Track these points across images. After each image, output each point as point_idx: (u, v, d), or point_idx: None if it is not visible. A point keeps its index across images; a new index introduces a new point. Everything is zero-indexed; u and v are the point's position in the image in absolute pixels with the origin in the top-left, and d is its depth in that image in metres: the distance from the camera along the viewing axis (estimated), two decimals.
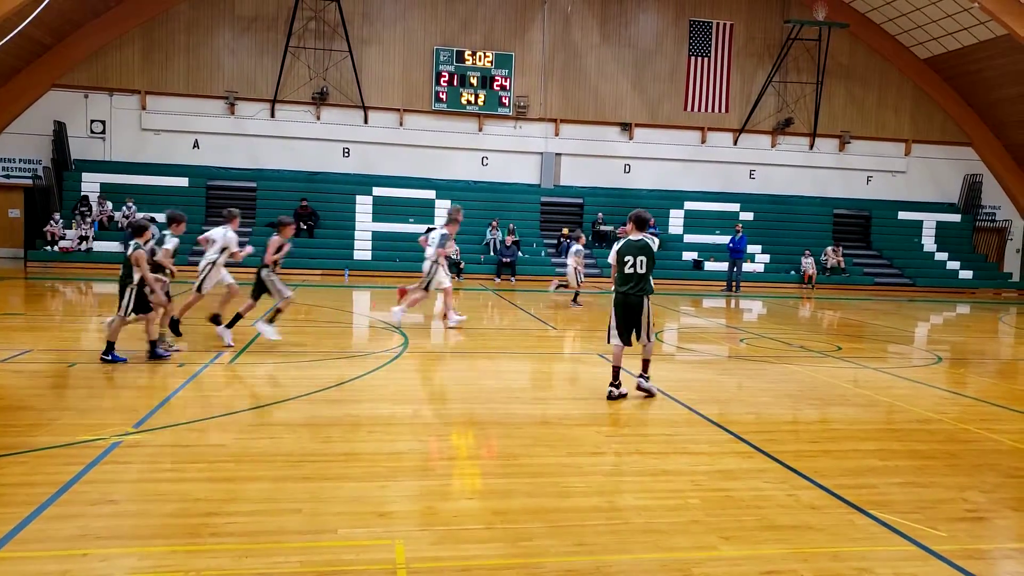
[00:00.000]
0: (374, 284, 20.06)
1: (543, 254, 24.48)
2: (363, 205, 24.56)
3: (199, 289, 9.60)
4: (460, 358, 9.61)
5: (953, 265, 27.10)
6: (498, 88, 25.52)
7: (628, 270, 7.15)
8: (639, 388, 7.44)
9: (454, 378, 8.41)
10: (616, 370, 7.33)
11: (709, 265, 24.98)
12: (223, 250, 9.52)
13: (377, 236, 23.82)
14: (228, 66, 24.42)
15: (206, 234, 9.85)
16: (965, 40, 25.75)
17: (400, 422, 6.21)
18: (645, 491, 4.77)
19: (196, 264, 9.96)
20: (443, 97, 25.25)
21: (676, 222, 26.46)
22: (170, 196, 23.17)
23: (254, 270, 9.49)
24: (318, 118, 24.99)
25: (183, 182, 23.76)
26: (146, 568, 3.52)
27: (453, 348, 10.26)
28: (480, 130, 25.90)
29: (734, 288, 22.21)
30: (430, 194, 24.95)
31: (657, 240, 7.39)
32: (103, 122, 23.79)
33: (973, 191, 28.90)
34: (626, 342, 7.31)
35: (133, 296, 8.06)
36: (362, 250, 23.48)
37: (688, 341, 12.08)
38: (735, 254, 22.30)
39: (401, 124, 25.42)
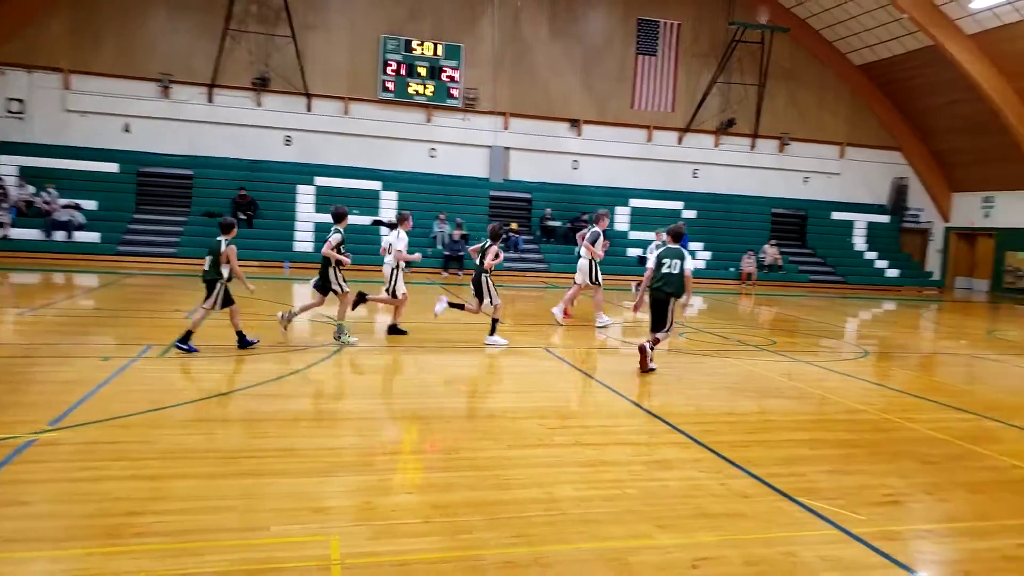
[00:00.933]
0: (316, 277, 19.67)
1: None
2: (305, 195, 24.01)
3: (393, 294, 10.44)
4: (404, 352, 9.58)
5: (881, 264, 28.08)
6: (447, 79, 25.36)
7: (665, 270, 8.72)
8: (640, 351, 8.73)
9: (397, 372, 8.39)
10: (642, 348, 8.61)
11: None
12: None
13: (320, 227, 23.31)
14: (163, 47, 23.52)
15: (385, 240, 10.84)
16: (896, 49, 26.66)
17: (340, 417, 6.18)
18: (584, 482, 4.85)
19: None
20: (390, 87, 24.95)
21: (622, 219, 26.75)
22: (98, 182, 22.35)
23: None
24: (259, 104, 24.37)
25: (112, 168, 22.81)
26: (59, 572, 3.41)
27: (396, 343, 10.22)
28: (428, 121, 25.72)
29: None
30: (376, 185, 24.65)
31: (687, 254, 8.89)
32: (20, 100, 22.67)
33: (900, 194, 30.00)
34: (656, 330, 8.76)
35: (222, 291, 8.49)
36: (303, 241, 22.99)
37: (632, 335, 12.27)
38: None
39: (346, 113, 25.03)
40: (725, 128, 28.08)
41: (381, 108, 25.27)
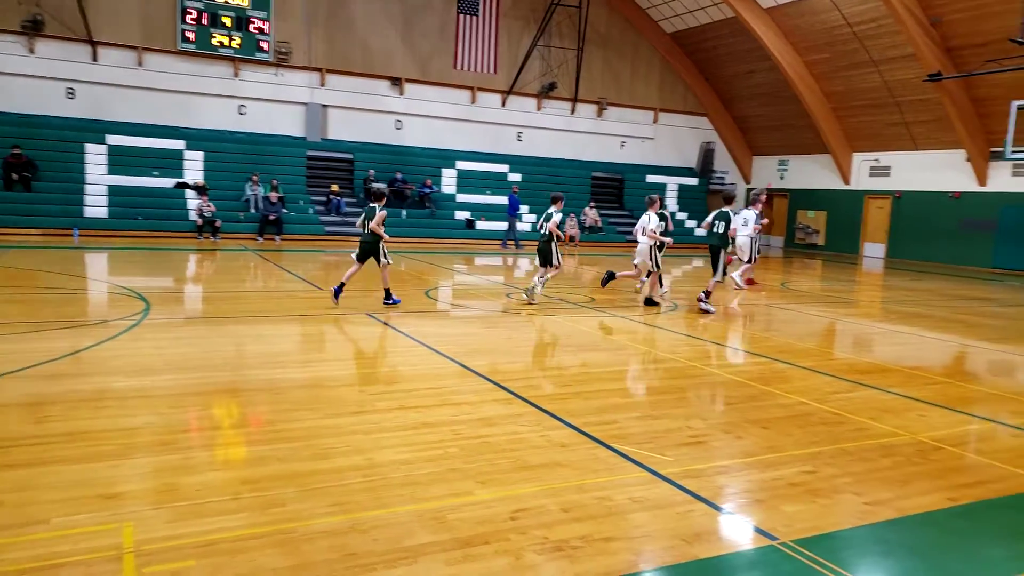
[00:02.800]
0: (112, 245, 18.03)
1: (311, 212, 23.58)
2: (95, 155, 21.50)
3: (658, 266, 11.95)
4: (214, 324, 8.99)
5: (691, 224, 30.04)
6: (255, 31, 23.78)
7: (715, 229, 11.39)
8: (698, 300, 11.34)
9: (206, 345, 7.83)
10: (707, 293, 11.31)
11: (481, 224, 25.55)
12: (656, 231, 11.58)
13: (115, 190, 21.17)
14: None
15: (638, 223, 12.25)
16: (703, 19, 28.30)
17: (136, 395, 5.66)
18: (405, 445, 4.77)
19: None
20: (191, 37, 22.98)
21: (449, 181, 26.65)
22: None
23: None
24: (32, 51, 21.54)
25: None
26: None
27: (205, 313, 9.58)
28: (236, 76, 24.08)
29: (513, 245, 23.38)
30: (178, 144, 22.68)
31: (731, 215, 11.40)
32: None
33: (707, 158, 32.16)
34: (715, 275, 11.40)
35: (384, 250, 10.06)
36: (95, 206, 20.63)
37: (459, 297, 12.29)
38: (512, 211, 23.52)
39: (140, 64, 22.73)
40: (547, 92, 28.62)
41: (182, 60, 23.26)
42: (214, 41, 23.29)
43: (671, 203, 30.78)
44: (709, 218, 11.61)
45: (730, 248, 11.60)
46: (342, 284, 10.27)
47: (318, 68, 25.11)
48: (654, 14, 29.70)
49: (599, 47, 29.40)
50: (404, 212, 24.75)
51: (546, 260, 11.34)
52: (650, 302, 11.78)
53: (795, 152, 30.58)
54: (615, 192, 30.37)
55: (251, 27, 23.69)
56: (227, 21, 23.40)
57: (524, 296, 11.37)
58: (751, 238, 14.70)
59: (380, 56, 26.09)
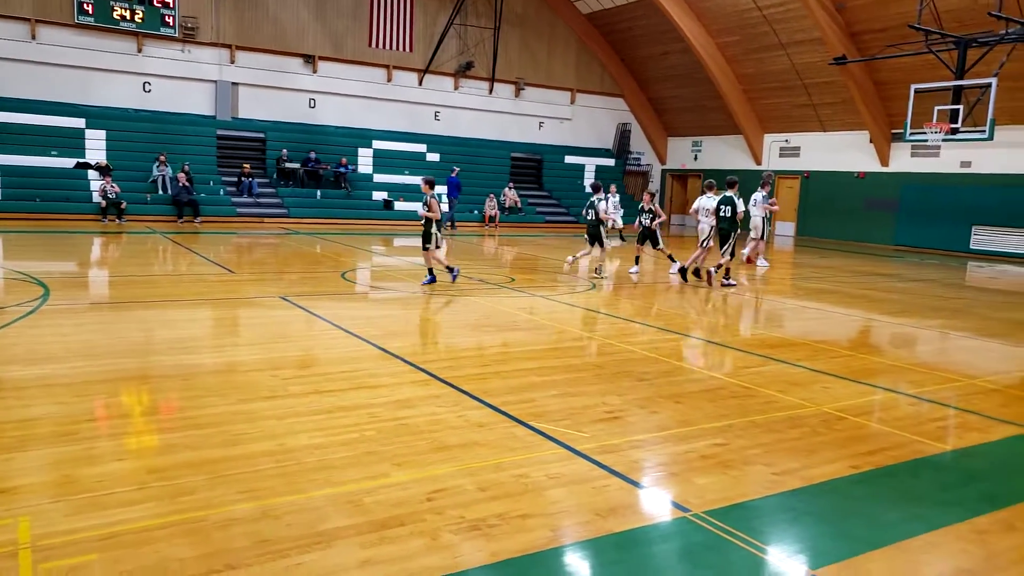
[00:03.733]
0: (5, 228, 17.00)
1: (222, 193, 22.78)
2: None
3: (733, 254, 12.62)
4: (120, 309, 8.59)
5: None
6: (159, 5, 22.63)
7: (722, 214, 12.44)
8: (721, 283, 12.48)
9: (111, 331, 7.48)
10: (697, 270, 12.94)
11: (400, 205, 25.24)
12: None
13: (8, 171, 19.97)
14: None
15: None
16: (618, 0, 28.57)
17: (35, 384, 5.37)
18: (320, 429, 4.68)
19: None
20: (89, 9, 21.68)
21: (365, 161, 26.20)
22: None
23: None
24: None
25: None
26: None
27: (111, 299, 9.15)
28: (140, 52, 22.95)
29: (452, 226, 23.48)
30: (78, 123, 21.53)
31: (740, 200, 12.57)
32: None
33: (624, 139, 32.62)
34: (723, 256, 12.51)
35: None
36: None
37: (377, 279, 12.11)
38: (453, 193, 24.10)
39: (33, 38, 21.39)
40: (464, 71, 28.39)
41: (80, 34, 22.00)
42: (115, 15, 22.07)
43: (588, 183, 31.09)
44: (711, 204, 13.08)
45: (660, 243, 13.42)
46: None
47: (227, 45, 24.19)
48: None
49: (516, 27, 29.32)
50: (319, 192, 24.24)
51: (595, 240, 12.96)
52: (697, 274, 12.92)
53: (708, 133, 31.33)
54: (534, 173, 30.48)
55: (154, 1, 22.55)
56: None
57: (595, 275, 13.05)
58: (763, 218, 15.83)
59: (292, 33, 25.32)
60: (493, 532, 3.40)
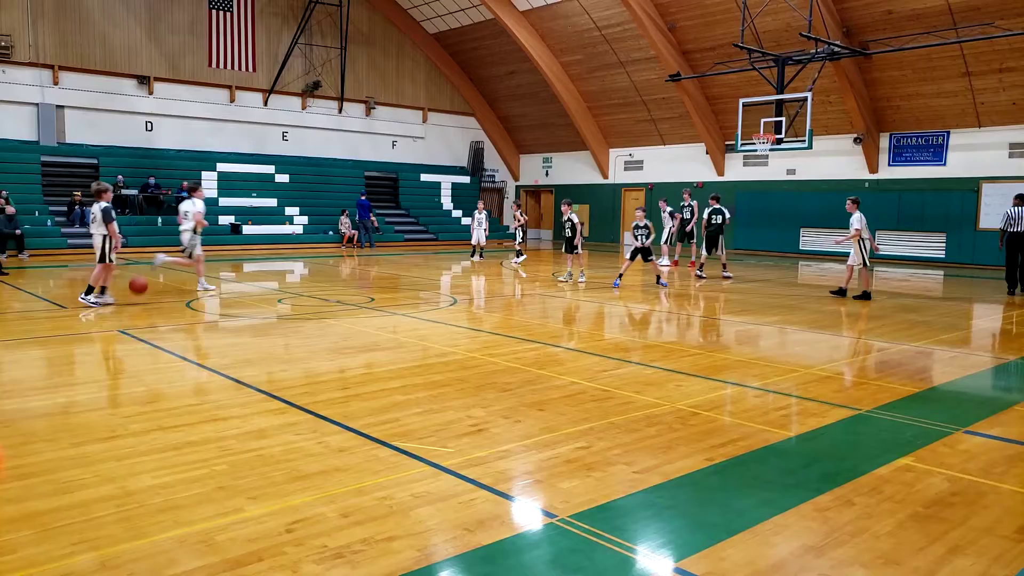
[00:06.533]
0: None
1: (49, 224, 20.99)
2: None
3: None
4: None
5: (467, 221, 30.66)
6: None
7: (714, 221, 16.17)
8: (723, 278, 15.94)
9: None
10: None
11: (248, 229, 24.24)
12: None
13: None
14: None
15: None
16: (464, 20, 28.96)
17: None
18: (165, 468, 4.34)
19: None
20: None
21: (209, 184, 24.93)
22: None
23: None
24: None
25: None
26: None
27: None
28: None
29: (368, 245, 24.84)
30: None
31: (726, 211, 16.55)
32: None
33: (477, 156, 33.02)
34: (710, 254, 16.06)
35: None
36: None
37: (226, 307, 11.52)
38: (364, 214, 25.16)
39: None
40: (311, 91, 27.80)
41: None
42: None
43: (445, 201, 31.22)
44: (707, 212, 16.49)
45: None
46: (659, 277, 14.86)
47: (49, 65, 22.45)
48: (416, 15, 29.91)
49: (363, 46, 29.06)
50: (160, 220, 22.85)
51: (647, 256, 14.44)
52: (865, 295, 12.92)
53: (558, 150, 32.30)
54: (390, 191, 30.22)
55: None
56: None
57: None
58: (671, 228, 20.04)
59: (123, 52, 23.86)
60: (357, 558, 3.26)
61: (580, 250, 15.15)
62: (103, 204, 10.81)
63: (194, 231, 12.56)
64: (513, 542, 3.51)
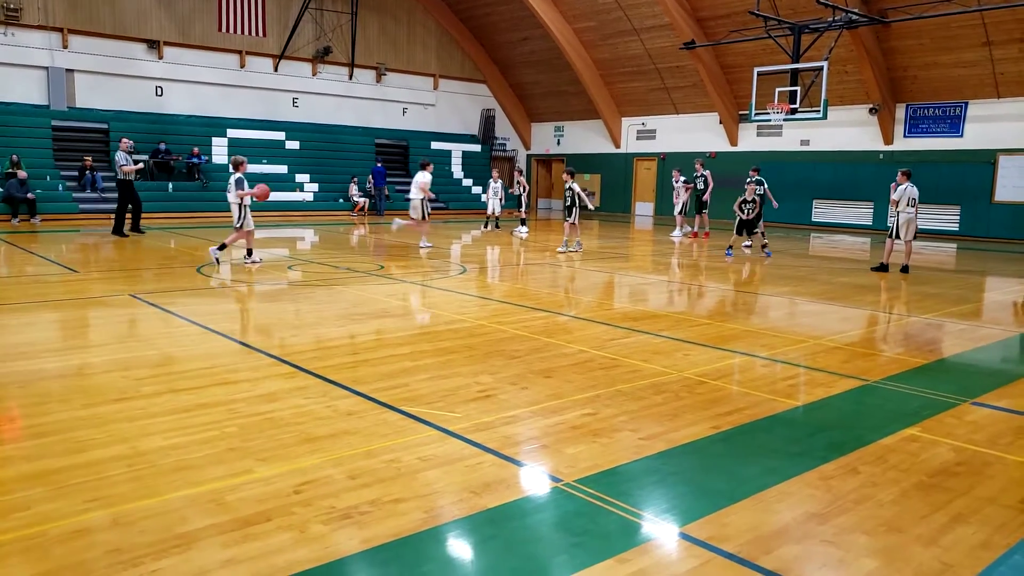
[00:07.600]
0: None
1: (61, 188, 21.06)
2: None
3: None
4: None
5: (477, 189, 30.56)
6: None
7: (757, 193, 14.97)
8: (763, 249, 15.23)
9: None
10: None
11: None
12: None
13: None
14: None
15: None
16: None
17: None
18: (176, 429, 4.40)
19: None
20: None
21: (220, 151, 24.92)
22: None
23: None
24: None
25: None
26: None
27: None
28: None
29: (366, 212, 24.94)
30: None
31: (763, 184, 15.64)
32: None
33: (489, 125, 32.76)
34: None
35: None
36: None
37: (237, 273, 11.57)
38: (380, 182, 25.56)
39: None
40: (322, 56, 27.57)
41: None
42: None
43: (456, 169, 31.06)
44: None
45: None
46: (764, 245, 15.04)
47: (58, 28, 22.31)
48: None
49: (374, 11, 28.74)
50: (171, 185, 22.89)
51: (752, 230, 14.90)
52: (905, 269, 12.76)
53: (570, 118, 32.00)
54: (400, 159, 30.08)
55: None
56: None
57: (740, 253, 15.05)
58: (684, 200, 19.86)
59: (132, 16, 23.67)
60: (365, 519, 3.31)
61: (571, 218, 15.02)
62: (237, 175, 11.48)
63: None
64: (519, 505, 3.55)
